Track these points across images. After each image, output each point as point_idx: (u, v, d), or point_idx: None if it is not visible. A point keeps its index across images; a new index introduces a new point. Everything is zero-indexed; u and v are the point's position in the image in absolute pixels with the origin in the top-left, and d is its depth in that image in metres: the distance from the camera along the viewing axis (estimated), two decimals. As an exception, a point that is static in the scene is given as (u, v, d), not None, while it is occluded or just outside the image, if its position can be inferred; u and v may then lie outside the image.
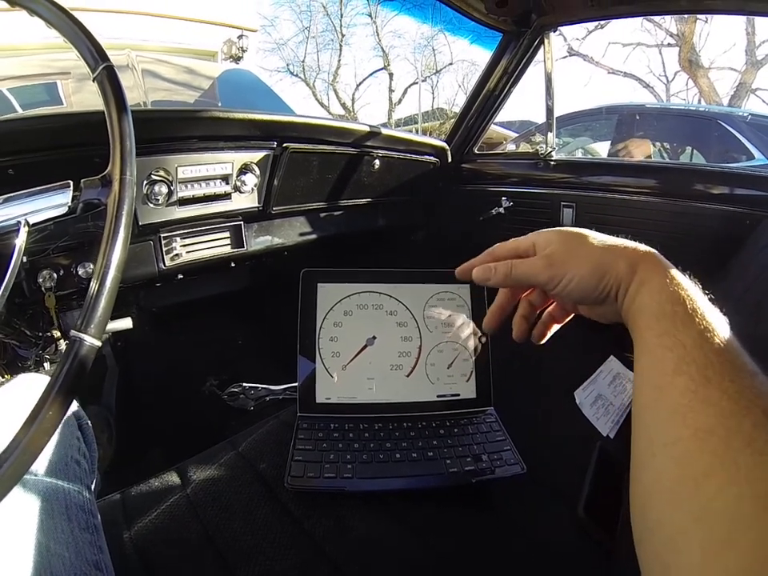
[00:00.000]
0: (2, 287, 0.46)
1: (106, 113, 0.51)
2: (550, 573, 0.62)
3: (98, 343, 0.42)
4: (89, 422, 0.65)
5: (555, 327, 0.50)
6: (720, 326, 0.32)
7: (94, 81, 0.52)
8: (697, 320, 0.32)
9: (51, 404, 0.38)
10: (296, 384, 0.79)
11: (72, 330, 0.41)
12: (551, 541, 0.66)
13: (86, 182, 0.50)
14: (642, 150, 4.01)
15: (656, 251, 0.41)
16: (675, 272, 0.37)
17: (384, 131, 1.29)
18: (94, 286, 0.43)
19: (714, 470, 0.26)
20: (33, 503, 0.46)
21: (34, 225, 0.49)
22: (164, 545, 0.62)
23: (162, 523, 0.65)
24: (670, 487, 0.28)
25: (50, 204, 0.49)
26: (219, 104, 2.64)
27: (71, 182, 0.50)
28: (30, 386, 0.59)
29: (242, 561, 0.59)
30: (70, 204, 0.50)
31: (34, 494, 0.47)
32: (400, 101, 13.61)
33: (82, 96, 2.14)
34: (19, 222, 0.47)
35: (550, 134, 1.43)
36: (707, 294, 0.36)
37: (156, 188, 0.91)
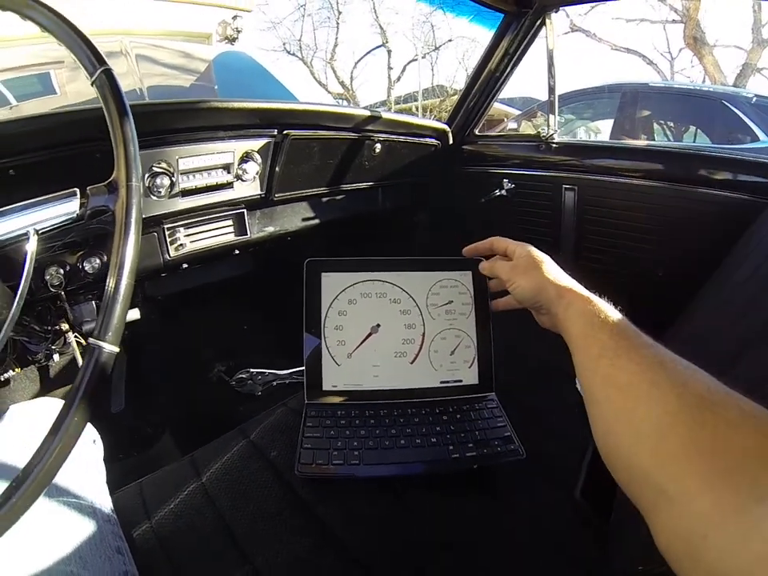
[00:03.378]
0: (17, 295, 0.47)
1: (107, 117, 0.51)
2: (548, 552, 0.64)
3: (116, 350, 0.44)
4: None
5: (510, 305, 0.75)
6: (623, 324, 0.49)
7: (92, 85, 0.52)
8: (609, 324, 0.49)
9: (76, 411, 0.40)
10: (301, 368, 0.80)
11: (90, 338, 0.42)
12: (549, 522, 0.68)
13: (93, 190, 0.50)
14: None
15: (576, 283, 0.59)
16: (589, 295, 0.55)
17: (384, 115, 1.28)
18: (108, 293, 0.44)
19: (638, 404, 0.40)
20: (65, 500, 0.54)
21: (43, 232, 0.50)
22: (183, 533, 0.64)
23: (180, 512, 0.67)
24: (614, 418, 0.42)
25: (58, 213, 0.50)
26: (216, 87, 2.60)
27: (77, 190, 0.51)
28: (50, 410, 0.65)
29: (258, 546, 0.62)
30: (78, 212, 0.50)
31: (64, 493, 0.55)
32: (399, 78, 13.46)
33: (77, 85, 2.09)
34: (28, 232, 0.48)
35: (551, 117, 1.43)
36: (618, 306, 0.52)
37: (158, 180, 0.91)
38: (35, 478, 0.37)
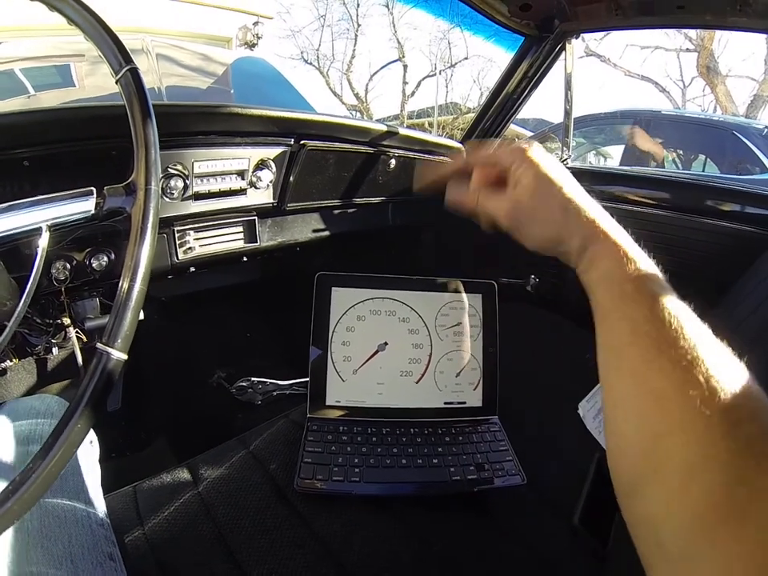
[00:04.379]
0: (26, 290, 0.46)
1: (129, 117, 0.50)
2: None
3: (125, 357, 0.43)
4: None
5: None
6: (671, 300, 0.35)
7: (117, 83, 0.52)
8: (646, 296, 0.35)
9: (79, 417, 0.39)
10: (303, 380, 0.80)
11: (98, 344, 0.41)
12: (547, 548, 0.67)
13: (110, 190, 0.50)
14: (654, 150, 4.00)
15: (611, 226, 0.41)
16: (627, 248, 0.39)
17: (401, 131, 1.28)
18: (119, 299, 0.43)
19: (669, 429, 0.30)
20: (59, 502, 0.53)
21: (56, 228, 0.49)
22: (177, 542, 0.63)
23: (175, 520, 0.66)
24: (634, 424, 0.33)
25: (73, 211, 0.49)
26: (232, 91, 2.62)
27: (94, 189, 0.50)
28: (48, 407, 0.64)
29: (254, 560, 0.61)
30: (93, 211, 0.50)
31: (59, 495, 0.54)
32: (413, 93, 13.51)
33: (95, 79, 2.11)
34: (41, 227, 0.47)
35: (566, 141, 1.43)
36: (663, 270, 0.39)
37: (172, 182, 0.90)
38: (33, 483, 0.36)
